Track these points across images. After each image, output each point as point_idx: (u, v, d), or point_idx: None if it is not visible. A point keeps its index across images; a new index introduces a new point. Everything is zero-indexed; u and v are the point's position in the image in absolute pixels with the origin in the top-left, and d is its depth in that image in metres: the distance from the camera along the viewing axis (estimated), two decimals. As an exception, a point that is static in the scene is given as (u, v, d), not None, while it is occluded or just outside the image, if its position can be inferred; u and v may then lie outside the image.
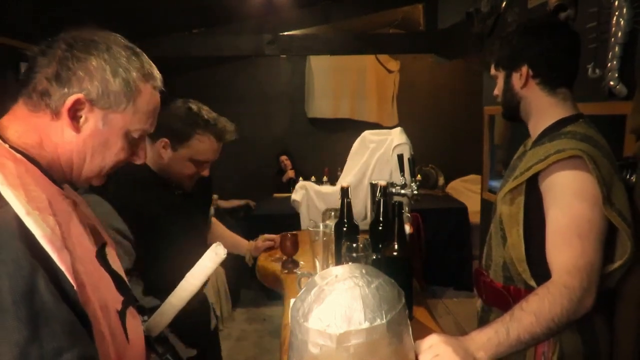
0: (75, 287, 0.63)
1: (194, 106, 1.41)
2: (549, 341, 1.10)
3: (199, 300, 1.51)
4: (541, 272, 1.09)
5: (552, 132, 1.17)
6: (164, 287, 1.06)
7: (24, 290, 0.58)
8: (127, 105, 0.77)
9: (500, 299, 1.21)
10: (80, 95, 0.72)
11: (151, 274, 1.32)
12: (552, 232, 1.07)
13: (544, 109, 1.20)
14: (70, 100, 0.72)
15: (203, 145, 1.41)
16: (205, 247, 1.65)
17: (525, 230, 1.15)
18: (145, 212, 1.33)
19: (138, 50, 0.79)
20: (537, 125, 1.23)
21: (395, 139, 2.81)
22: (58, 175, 0.76)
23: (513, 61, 1.21)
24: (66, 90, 0.72)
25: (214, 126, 1.41)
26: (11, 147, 0.70)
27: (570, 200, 1.05)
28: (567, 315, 0.97)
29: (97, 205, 1.24)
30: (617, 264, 1.08)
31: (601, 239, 1.04)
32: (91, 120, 0.75)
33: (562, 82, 1.19)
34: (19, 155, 0.69)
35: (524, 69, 1.19)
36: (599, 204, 1.03)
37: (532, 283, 1.12)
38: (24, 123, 0.73)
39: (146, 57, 0.80)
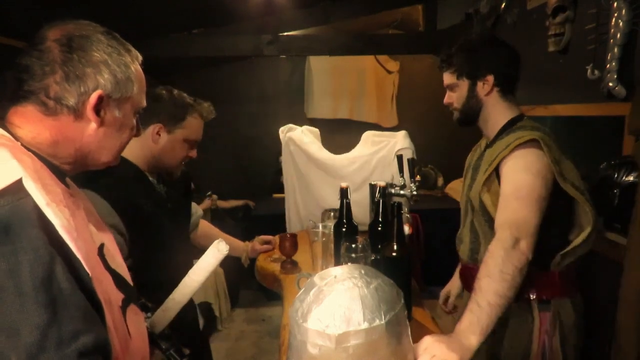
0: (90, 275, 0.65)
1: (174, 90, 1.44)
2: (551, 319, 1.24)
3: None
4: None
5: (506, 129, 1.35)
6: (152, 284, 1.05)
7: (43, 276, 0.60)
8: (133, 87, 0.81)
9: None
10: (100, 92, 0.75)
11: (142, 270, 1.24)
12: (500, 200, 1.21)
13: (500, 112, 1.37)
14: (93, 98, 0.75)
15: (196, 124, 1.45)
16: (189, 245, 1.61)
17: None
18: (138, 206, 1.31)
19: (112, 32, 0.81)
20: (494, 126, 1.39)
21: (399, 142, 2.84)
22: (72, 168, 0.79)
23: (479, 71, 1.34)
24: (82, 89, 0.74)
25: (200, 105, 1.46)
26: (22, 145, 0.72)
27: (517, 173, 1.20)
28: (510, 263, 1.05)
29: (91, 200, 1.22)
30: (583, 235, 1.22)
31: (539, 203, 1.15)
32: (110, 111, 0.78)
33: (513, 88, 1.38)
34: (30, 154, 0.71)
35: (490, 77, 1.33)
36: (543, 176, 1.18)
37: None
38: (39, 124, 0.74)
39: (119, 36, 0.82)
